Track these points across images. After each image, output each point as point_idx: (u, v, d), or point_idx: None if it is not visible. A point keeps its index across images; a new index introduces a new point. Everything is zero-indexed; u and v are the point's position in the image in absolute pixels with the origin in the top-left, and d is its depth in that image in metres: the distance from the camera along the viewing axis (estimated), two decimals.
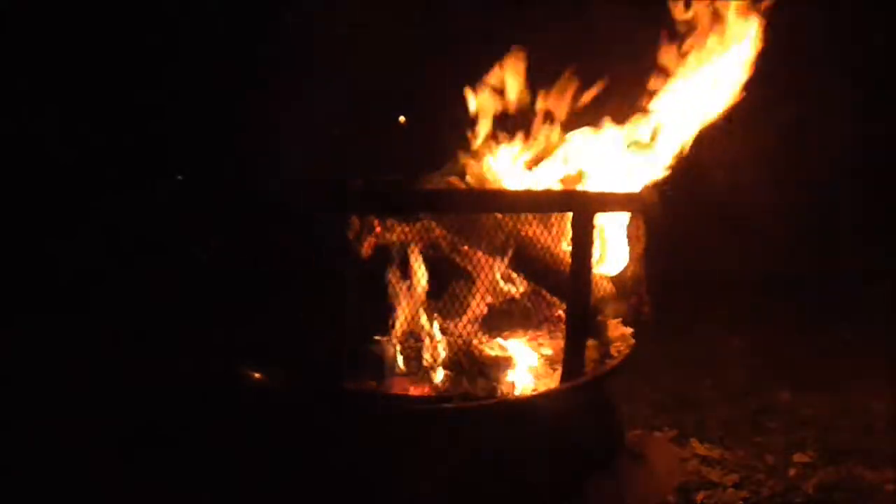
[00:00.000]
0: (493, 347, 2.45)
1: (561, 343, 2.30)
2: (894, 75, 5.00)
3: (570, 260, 2.28)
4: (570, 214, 2.28)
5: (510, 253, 2.44)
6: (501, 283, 2.45)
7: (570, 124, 2.80)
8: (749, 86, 2.69)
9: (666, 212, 2.59)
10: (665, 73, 2.74)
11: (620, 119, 2.76)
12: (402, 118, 4.10)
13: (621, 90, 2.82)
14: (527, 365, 2.36)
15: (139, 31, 4.05)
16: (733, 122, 2.75)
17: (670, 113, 2.73)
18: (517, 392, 2.25)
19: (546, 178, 2.76)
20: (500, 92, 2.80)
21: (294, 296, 2.48)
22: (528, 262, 2.47)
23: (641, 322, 2.67)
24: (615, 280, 2.63)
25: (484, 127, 2.79)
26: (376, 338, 2.47)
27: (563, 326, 2.30)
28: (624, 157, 2.74)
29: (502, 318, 2.54)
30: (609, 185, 2.68)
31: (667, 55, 2.74)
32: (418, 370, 2.35)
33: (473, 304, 2.43)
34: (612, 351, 2.51)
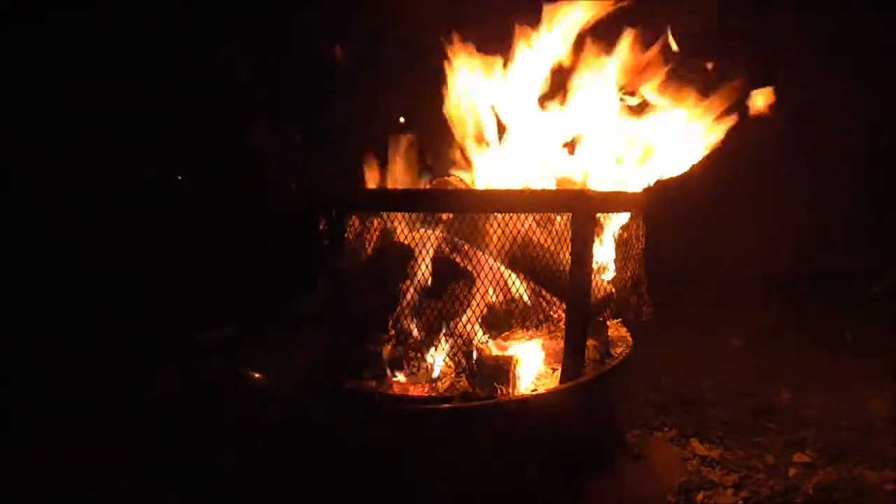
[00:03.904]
0: (493, 347, 2.45)
1: (561, 343, 2.29)
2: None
3: (569, 260, 2.28)
4: (570, 214, 2.28)
5: (510, 253, 2.44)
6: (501, 283, 2.45)
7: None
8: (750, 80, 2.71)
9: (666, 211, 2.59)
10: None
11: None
12: (401, 118, 4.10)
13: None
14: (527, 365, 2.36)
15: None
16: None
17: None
18: (517, 392, 2.25)
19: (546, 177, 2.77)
20: None
21: (294, 296, 2.49)
22: (529, 262, 2.47)
23: (641, 322, 2.67)
24: (615, 280, 2.62)
25: None
26: (377, 337, 2.47)
27: (563, 326, 2.30)
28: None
29: (502, 318, 2.54)
30: (609, 185, 2.69)
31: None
32: (418, 370, 2.35)
33: (474, 304, 2.43)
34: (612, 351, 2.51)
